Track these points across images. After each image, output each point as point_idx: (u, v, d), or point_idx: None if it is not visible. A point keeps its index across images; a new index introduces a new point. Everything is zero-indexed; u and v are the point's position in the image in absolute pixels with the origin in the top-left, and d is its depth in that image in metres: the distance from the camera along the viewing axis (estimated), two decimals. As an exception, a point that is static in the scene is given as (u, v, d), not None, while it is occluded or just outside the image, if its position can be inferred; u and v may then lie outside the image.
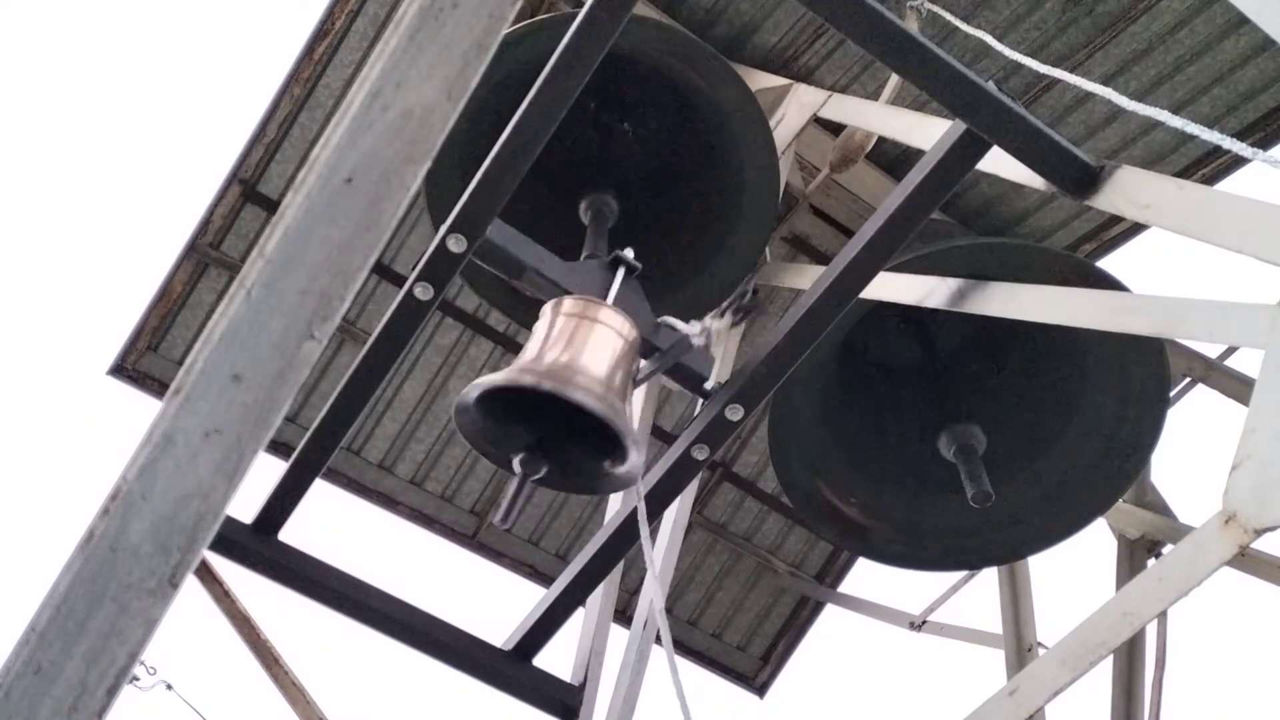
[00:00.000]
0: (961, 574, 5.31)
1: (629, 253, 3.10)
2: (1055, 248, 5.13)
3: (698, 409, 3.26)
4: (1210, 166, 4.97)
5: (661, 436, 5.60)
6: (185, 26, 11.94)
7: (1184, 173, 4.97)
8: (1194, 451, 5.06)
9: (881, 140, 4.56)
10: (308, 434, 3.27)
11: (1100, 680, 4.53)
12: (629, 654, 3.79)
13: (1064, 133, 3.92)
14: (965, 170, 2.93)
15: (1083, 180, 2.82)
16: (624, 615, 4.74)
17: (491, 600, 6.08)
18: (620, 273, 3.06)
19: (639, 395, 4.26)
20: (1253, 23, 2.48)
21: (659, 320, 3.04)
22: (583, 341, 2.78)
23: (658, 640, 3.86)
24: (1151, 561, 4.76)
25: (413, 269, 3.07)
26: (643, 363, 3.00)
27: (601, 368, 2.74)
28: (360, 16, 4.89)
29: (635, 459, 2.69)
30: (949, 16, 4.00)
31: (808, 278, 3.99)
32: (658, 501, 3.27)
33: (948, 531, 4.17)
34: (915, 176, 2.95)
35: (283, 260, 1.15)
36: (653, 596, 3.73)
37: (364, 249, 1.17)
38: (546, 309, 2.92)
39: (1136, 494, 4.83)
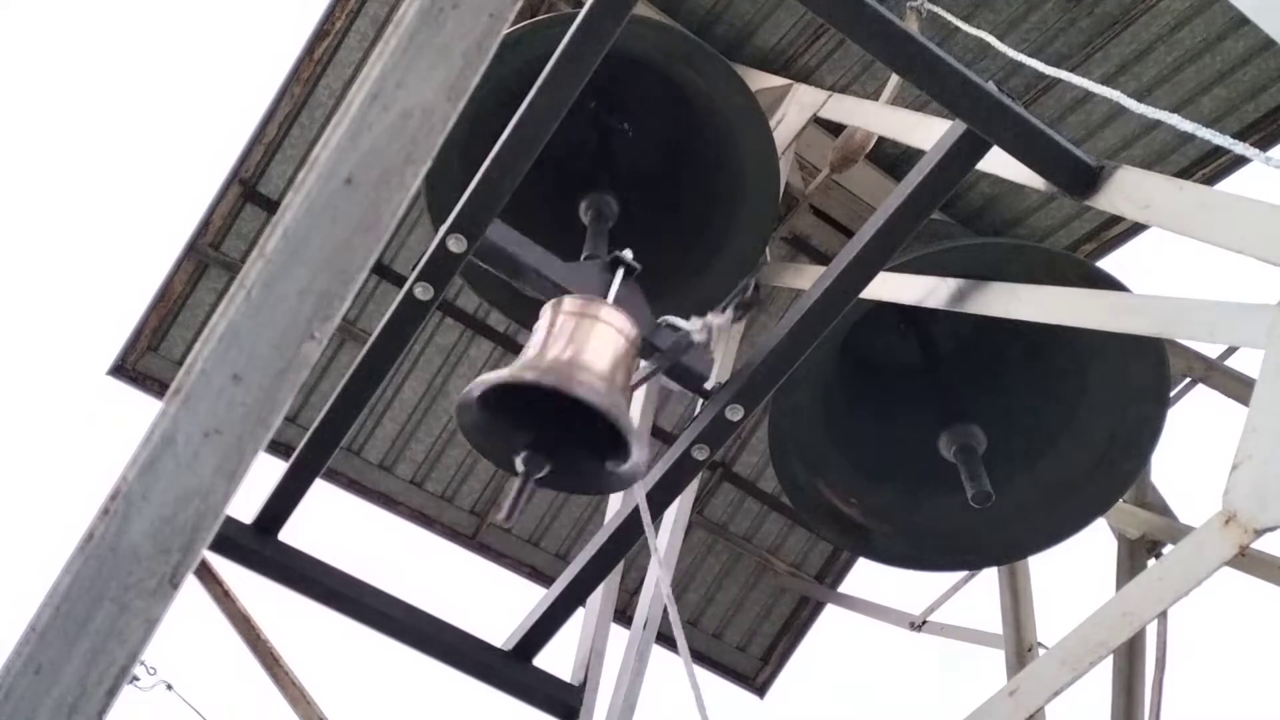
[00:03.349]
0: (961, 574, 5.31)
1: (628, 253, 3.10)
2: (1055, 248, 5.13)
3: (698, 409, 3.26)
4: (1210, 166, 4.97)
5: (661, 436, 5.59)
6: (185, 26, 11.94)
7: (1184, 173, 4.97)
8: (1194, 451, 5.06)
9: (881, 140, 4.56)
10: (308, 434, 3.26)
11: (1100, 680, 4.53)
12: (629, 654, 3.79)
13: (1064, 133, 3.91)
14: (965, 170, 2.93)
15: (1083, 180, 2.82)
16: (624, 615, 4.73)
17: (491, 600, 6.09)
18: (620, 273, 3.06)
19: (639, 395, 4.26)
20: (1253, 23, 2.47)
21: (659, 321, 3.03)
22: (584, 339, 2.77)
23: (658, 640, 3.86)
24: (1151, 561, 4.76)
25: (413, 269, 3.07)
26: (643, 363, 3.00)
27: (603, 365, 2.73)
28: (360, 17, 4.89)
29: (637, 457, 2.69)
30: (949, 16, 3.99)
31: (808, 278, 3.99)
32: (658, 501, 3.27)
33: (948, 531, 4.17)
34: (915, 176, 2.95)
35: (283, 260, 1.15)
36: (660, 589, 3.73)
37: (364, 249, 1.17)
38: (547, 308, 2.92)
39: (1136, 494, 4.82)
